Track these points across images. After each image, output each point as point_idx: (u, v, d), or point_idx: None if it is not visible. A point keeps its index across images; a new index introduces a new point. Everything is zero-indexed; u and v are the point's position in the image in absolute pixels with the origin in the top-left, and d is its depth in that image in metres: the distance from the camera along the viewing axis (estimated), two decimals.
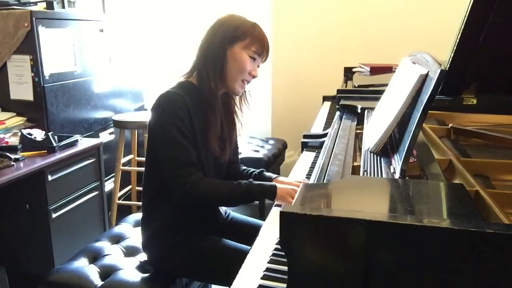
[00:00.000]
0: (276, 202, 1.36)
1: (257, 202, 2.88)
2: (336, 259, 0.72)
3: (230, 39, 1.36)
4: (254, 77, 1.42)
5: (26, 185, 1.92)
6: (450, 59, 1.21)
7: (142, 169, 1.55)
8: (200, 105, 1.37)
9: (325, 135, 1.76)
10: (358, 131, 1.52)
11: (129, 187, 2.92)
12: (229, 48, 1.36)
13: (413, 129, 0.96)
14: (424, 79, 1.04)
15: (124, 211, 2.70)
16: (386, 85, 1.47)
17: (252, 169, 1.61)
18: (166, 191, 1.36)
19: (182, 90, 1.35)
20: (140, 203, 1.53)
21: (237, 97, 1.50)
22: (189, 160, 1.30)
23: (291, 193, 1.32)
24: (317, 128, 2.11)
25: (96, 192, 2.32)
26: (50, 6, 2.35)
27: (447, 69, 0.99)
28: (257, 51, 1.39)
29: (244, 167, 1.63)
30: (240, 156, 1.72)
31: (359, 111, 1.72)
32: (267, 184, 1.36)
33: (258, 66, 1.43)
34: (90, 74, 2.58)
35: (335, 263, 0.72)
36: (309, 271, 0.74)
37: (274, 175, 1.57)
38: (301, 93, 3.36)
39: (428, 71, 1.03)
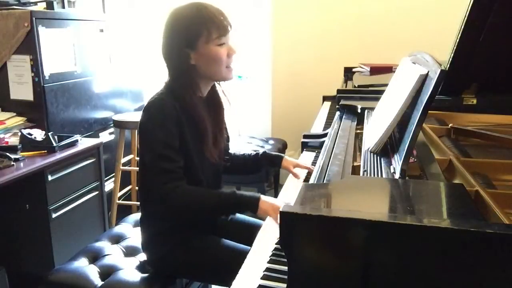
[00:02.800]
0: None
1: None
2: (336, 259, 0.72)
3: (188, 44, 1.28)
4: (234, 54, 1.34)
5: (26, 185, 1.92)
6: (450, 59, 1.22)
7: None
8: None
9: (325, 135, 1.76)
10: (358, 131, 1.52)
11: (129, 187, 2.92)
12: (193, 52, 1.29)
13: (413, 129, 0.96)
14: (424, 79, 1.04)
15: (124, 211, 2.69)
16: (386, 85, 1.47)
17: (252, 153, 1.64)
18: None
19: (171, 95, 1.31)
20: None
21: (221, 93, 1.46)
22: (168, 168, 1.26)
23: (276, 208, 1.22)
24: (317, 128, 2.11)
25: (96, 192, 2.32)
26: (50, 6, 2.35)
27: (447, 69, 0.99)
28: (220, 34, 1.29)
29: (239, 153, 1.65)
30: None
31: (359, 111, 1.72)
32: (249, 196, 1.28)
33: (229, 40, 1.34)
34: (90, 74, 2.58)
35: (335, 263, 0.72)
36: (309, 271, 0.74)
37: (281, 154, 1.60)
38: (301, 93, 3.36)
39: (428, 71, 1.03)
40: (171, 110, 1.28)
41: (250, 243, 1.18)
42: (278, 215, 1.18)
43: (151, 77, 3.30)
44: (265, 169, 2.57)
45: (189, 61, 1.30)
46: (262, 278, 0.99)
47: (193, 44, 1.29)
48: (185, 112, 1.30)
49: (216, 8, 1.31)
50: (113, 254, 1.52)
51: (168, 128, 1.27)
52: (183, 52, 1.29)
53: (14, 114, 2.23)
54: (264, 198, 1.26)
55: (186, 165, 1.33)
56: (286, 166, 1.61)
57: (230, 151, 1.64)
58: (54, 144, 2.03)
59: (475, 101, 1.44)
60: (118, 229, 1.70)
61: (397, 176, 0.96)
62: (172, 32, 1.30)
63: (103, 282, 1.37)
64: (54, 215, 2.02)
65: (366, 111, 1.65)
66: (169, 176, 1.26)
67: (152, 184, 1.28)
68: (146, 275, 1.40)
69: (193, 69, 1.32)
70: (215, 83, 1.44)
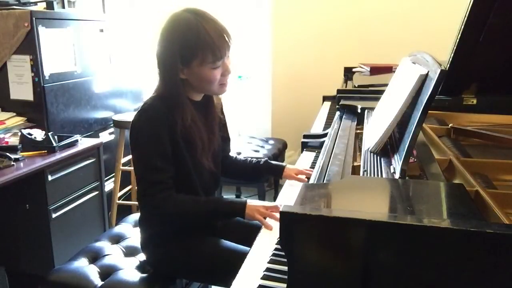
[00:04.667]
0: (277, 199, 1.36)
1: None
2: (336, 259, 0.72)
3: (181, 61, 1.26)
4: (229, 74, 1.33)
5: (26, 185, 1.92)
6: (450, 59, 1.22)
7: None
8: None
9: (325, 135, 1.76)
10: (358, 131, 1.52)
11: (129, 187, 2.92)
12: (186, 68, 1.28)
13: (413, 129, 0.96)
14: (424, 79, 1.04)
15: (124, 211, 2.69)
16: (386, 85, 1.47)
17: (254, 159, 1.62)
18: None
19: (163, 100, 1.30)
20: None
21: (218, 104, 1.47)
22: (158, 179, 1.27)
23: (260, 210, 1.28)
24: (317, 128, 2.11)
25: (96, 192, 2.32)
26: (50, 6, 2.35)
27: (447, 69, 0.99)
28: (216, 58, 1.26)
29: (243, 158, 1.64)
30: (240, 156, 1.71)
31: (359, 111, 1.72)
32: (236, 202, 1.33)
33: (228, 57, 1.31)
34: (90, 74, 2.58)
35: (335, 263, 0.72)
36: (309, 271, 0.74)
37: (283, 164, 1.57)
38: (301, 93, 3.36)
39: (428, 71, 1.03)
40: (163, 117, 1.27)
41: (250, 243, 1.18)
42: (262, 217, 1.25)
43: (151, 77, 3.31)
44: (266, 178, 2.54)
45: (181, 75, 1.29)
46: (262, 278, 0.99)
47: (187, 62, 1.27)
48: (177, 117, 1.29)
49: (216, 28, 1.25)
50: (113, 254, 1.52)
51: (160, 137, 1.27)
52: (175, 66, 1.27)
53: (14, 114, 2.23)
54: (249, 202, 1.30)
55: (180, 171, 1.33)
56: (289, 174, 1.58)
57: (231, 154, 1.63)
58: (54, 144, 2.03)
59: (475, 101, 1.44)
60: (118, 229, 1.70)
61: (397, 176, 0.96)
62: (167, 45, 1.28)
63: (103, 282, 1.37)
64: (54, 215, 2.02)
65: (366, 111, 1.65)
66: (159, 187, 1.27)
67: (144, 194, 1.28)
68: (146, 275, 1.40)
69: (184, 82, 1.31)
70: (212, 108, 1.45)
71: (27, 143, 1.99)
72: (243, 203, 1.31)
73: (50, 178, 1.98)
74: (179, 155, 1.32)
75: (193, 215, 1.32)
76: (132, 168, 2.88)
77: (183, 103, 1.31)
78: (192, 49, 1.24)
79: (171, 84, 1.30)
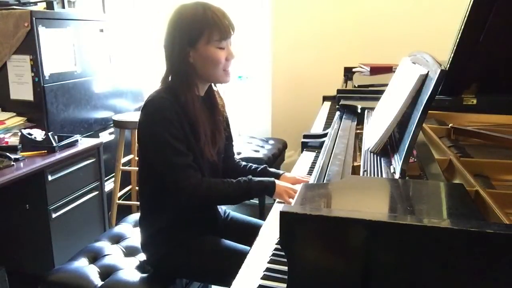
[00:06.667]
0: (276, 200, 1.37)
1: (257, 201, 2.88)
2: (336, 259, 0.72)
3: (189, 42, 1.29)
4: (232, 58, 1.35)
5: (26, 185, 1.92)
6: (450, 59, 1.22)
7: None
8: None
9: (325, 135, 1.76)
10: (358, 131, 1.52)
11: (129, 187, 2.92)
12: (192, 50, 1.30)
13: (413, 129, 0.96)
14: (424, 79, 1.04)
15: (124, 211, 2.69)
16: (386, 85, 1.47)
17: (254, 165, 1.61)
18: (162, 192, 1.35)
19: (169, 93, 1.31)
20: None
21: (217, 94, 1.47)
22: (186, 163, 1.29)
23: (288, 192, 1.33)
24: (317, 128, 2.11)
25: (96, 192, 2.32)
26: (50, 6, 2.35)
27: (447, 69, 0.99)
28: (222, 37, 1.30)
29: (244, 163, 1.63)
30: (240, 156, 1.71)
31: (359, 111, 1.72)
32: (266, 181, 1.37)
33: (230, 44, 1.35)
34: (90, 74, 2.58)
35: (335, 263, 0.72)
36: (309, 271, 0.74)
37: (280, 171, 1.56)
38: (301, 93, 3.37)
39: (428, 71, 1.03)
40: (171, 108, 1.28)
41: (250, 243, 1.18)
42: (290, 198, 1.29)
43: (151, 77, 3.31)
44: None
45: (188, 59, 1.31)
46: (262, 278, 0.99)
47: (194, 43, 1.30)
48: (183, 109, 1.31)
49: (222, 11, 1.31)
50: (113, 254, 1.52)
51: (172, 123, 1.28)
52: (183, 49, 1.30)
53: (14, 114, 2.23)
54: (278, 182, 1.36)
55: None
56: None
57: (235, 156, 1.63)
58: (54, 144, 2.03)
59: (475, 101, 1.44)
60: (118, 229, 1.70)
61: (397, 176, 0.96)
62: (175, 29, 1.31)
63: (103, 282, 1.37)
64: (54, 215, 2.02)
65: (366, 111, 1.65)
66: (189, 171, 1.29)
67: (178, 179, 1.28)
68: (146, 275, 1.40)
69: (191, 67, 1.33)
70: (212, 84, 1.45)
71: (27, 143, 1.99)
72: (272, 182, 1.35)
73: (50, 178, 1.98)
74: (187, 143, 1.32)
75: (227, 197, 1.35)
76: (132, 168, 2.89)
77: (193, 86, 1.32)
78: (199, 28, 1.28)
79: (180, 67, 1.31)
